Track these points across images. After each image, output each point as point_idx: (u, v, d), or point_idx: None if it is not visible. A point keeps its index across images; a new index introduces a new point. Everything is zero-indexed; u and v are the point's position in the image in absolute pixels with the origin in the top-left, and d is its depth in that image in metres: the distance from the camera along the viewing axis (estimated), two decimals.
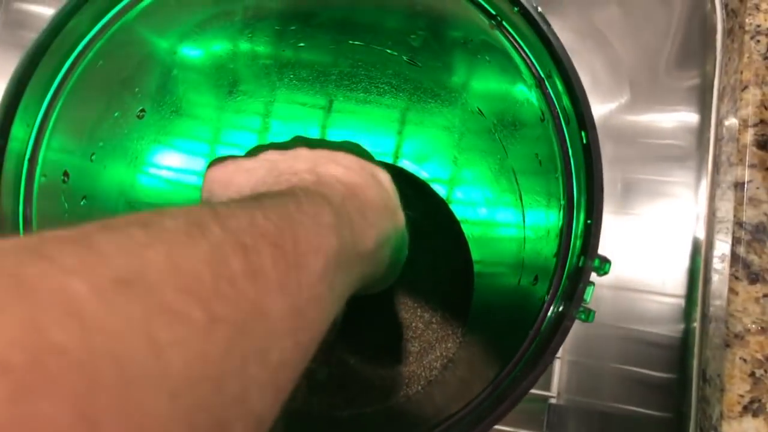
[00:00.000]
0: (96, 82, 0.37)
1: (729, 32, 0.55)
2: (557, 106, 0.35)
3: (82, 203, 0.39)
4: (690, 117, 0.56)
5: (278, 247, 0.22)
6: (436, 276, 0.55)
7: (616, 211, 0.53)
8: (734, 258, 0.49)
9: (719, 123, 0.54)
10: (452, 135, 0.51)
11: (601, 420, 0.53)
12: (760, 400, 0.46)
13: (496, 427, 0.31)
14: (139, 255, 0.18)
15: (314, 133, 0.53)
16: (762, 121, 0.50)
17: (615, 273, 0.32)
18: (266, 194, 0.28)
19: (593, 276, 0.32)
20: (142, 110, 0.42)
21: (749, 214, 0.48)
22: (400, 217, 0.38)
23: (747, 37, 0.51)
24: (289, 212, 0.25)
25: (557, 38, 0.34)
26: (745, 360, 0.47)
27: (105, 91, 0.39)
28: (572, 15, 0.57)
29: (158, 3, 0.37)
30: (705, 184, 0.54)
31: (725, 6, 0.55)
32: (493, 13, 0.36)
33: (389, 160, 0.55)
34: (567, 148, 0.35)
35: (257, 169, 0.36)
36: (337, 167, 0.35)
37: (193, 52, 0.43)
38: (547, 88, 0.35)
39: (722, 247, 0.50)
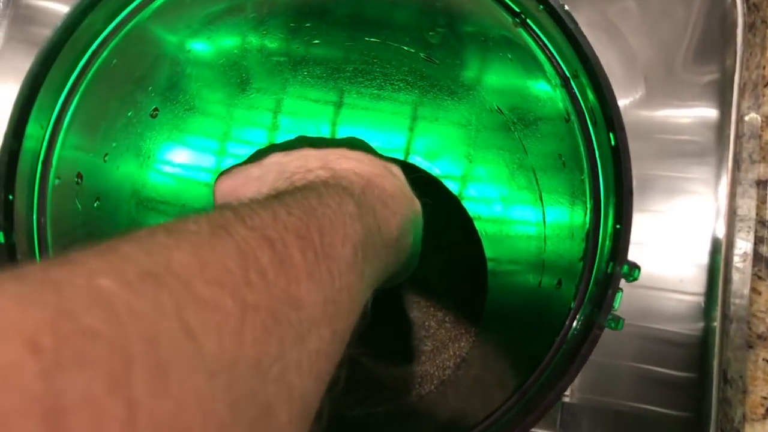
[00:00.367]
0: (110, 82, 0.37)
1: (751, 26, 0.54)
2: (584, 107, 0.34)
3: (95, 204, 0.39)
4: (708, 112, 0.55)
5: (304, 239, 0.23)
6: (449, 274, 0.55)
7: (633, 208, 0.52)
8: (757, 257, 0.48)
9: (740, 119, 0.53)
10: (468, 132, 0.50)
11: (616, 419, 0.52)
12: None
13: None
14: (164, 254, 0.18)
15: (325, 130, 0.53)
16: None
17: None
18: (285, 191, 0.28)
19: (621, 282, 0.31)
20: (156, 109, 0.41)
21: None
22: (417, 204, 0.38)
23: None
24: (312, 205, 0.25)
25: (584, 37, 0.33)
26: None
27: (119, 90, 0.38)
28: (585, 8, 0.56)
29: (172, 1, 0.36)
30: (725, 181, 0.53)
31: (747, 0, 0.54)
32: (517, 10, 0.35)
33: (401, 157, 0.54)
34: (594, 149, 0.34)
35: (267, 175, 0.35)
36: (350, 161, 0.35)
37: (207, 49, 0.42)
38: (573, 87, 0.34)
39: (743, 245, 0.49)
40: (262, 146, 0.51)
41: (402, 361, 0.54)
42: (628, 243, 0.31)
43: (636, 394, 0.52)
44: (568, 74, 0.34)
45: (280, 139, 0.51)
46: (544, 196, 0.43)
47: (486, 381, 0.50)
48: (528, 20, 0.35)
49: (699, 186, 0.54)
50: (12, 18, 0.54)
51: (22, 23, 0.54)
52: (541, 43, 0.35)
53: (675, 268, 0.53)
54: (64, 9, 0.54)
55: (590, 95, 0.33)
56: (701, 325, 0.52)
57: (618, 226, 0.31)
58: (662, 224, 0.54)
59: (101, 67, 0.35)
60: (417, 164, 0.54)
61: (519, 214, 0.49)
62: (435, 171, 0.54)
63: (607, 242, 0.32)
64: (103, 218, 0.40)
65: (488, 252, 0.53)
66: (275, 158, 0.36)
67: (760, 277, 0.47)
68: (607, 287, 0.30)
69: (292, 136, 0.51)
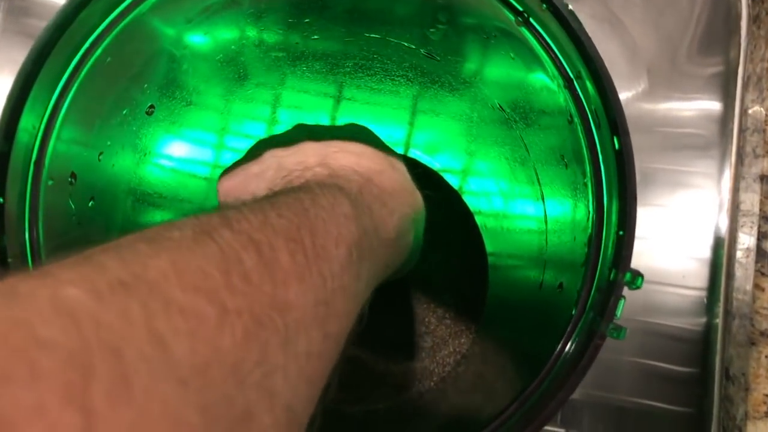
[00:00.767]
0: (104, 80, 0.36)
1: (755, 18, 0.53)
2: (587, 108, 0.33)
3: (90, 204, 0.38)
4: (712, 105, 0.54)
5: (294, 241, 0.22)
6: (450, 270, 0.54)
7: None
8: (760, 253, 0.47)
9: (743, 113, 0.53)
10: (469, 127, 0.49)
11: (618, 415, 0.52)
12: None
13: None
14: (140, 262, 0.18)
15: (325, 123, 0.52)
16: None
17: (634, 264, 0.31)
18: (280, 192, 0.28)
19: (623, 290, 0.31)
20: (152, 106, 0.41)
21: None
22: (419, 198, 0.38)
23: None
24: (304, 207, 0.25)
25: (588, 37, 0.32)
26: None
27: (114, 88, 0.37)
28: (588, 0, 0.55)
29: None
30: (728, 175, 0.53)
31: None
32: (520, 9, 0.34)
33: (401, 150, 0.53)
34: (597, 152, 0.33)
35: (265, 172, 0.35)
36: (349, 156, 0.34)
37: (205, 44, 0.42)
38: (576, 89, 0.33)
39: (746, 241, 0.49)
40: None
41: (402, 357, 0.53)
42: (632, 250, 0.30)
43: (638, 389, 0.52)
44: (571, 75, 0.34)
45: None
46: (545, 195, 0.42)
47: (486, 379, 0.50)
48: (531, 19, 0.34)
49: (702, 180, 0.53)
50: (7, 10, 0.53)
51: (17, 15, 0.53)
52: (544, 42, 0.34)
53: (677, 262, 0.53)
54: (59, 1, 0.53)
55: (594, 97, 0.32)
56: (703, 320, 0.52)
57: (621, 233, 0.31)
58: (665, 218, 0.53)
59: (95, 64, 0.34)
60: (417, 158, 0.53)
61: (520, 210, 0.48)
62: (435, 166, 0.53)
63: (610, 248, 0.32)
64: (98, 218, 0.39)
65: (489, 247, 0.53)
66: (274, 153, 0.35)
67: (763, 274, 0.47)
68: (609, 296, 0.30)
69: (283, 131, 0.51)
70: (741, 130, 0.52)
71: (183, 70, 0.41)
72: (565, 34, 0.32)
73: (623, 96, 0.54)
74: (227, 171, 0.37)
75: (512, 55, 0.38)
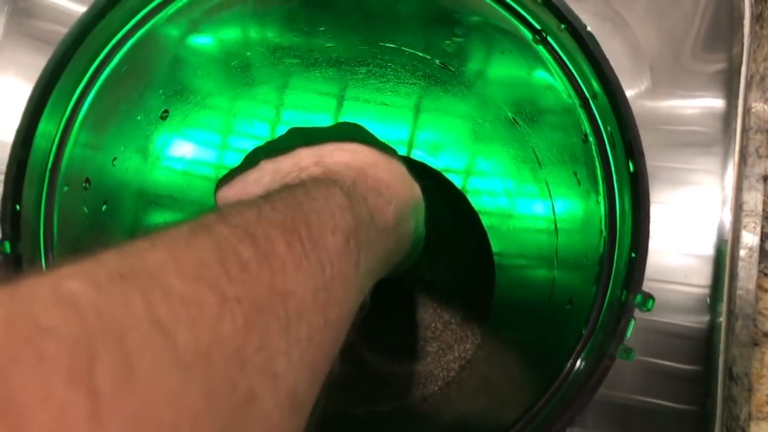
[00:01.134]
0: (120, 88, 0.36)
1: (758, 18, 0.53)
2: (602, 129, 0.33)
3: (103, 208, 0.38)
4: (715, 103, 0.54)
5: (291, 231, 0.23)
6: (456, 275, 0.54)
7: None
8: (763, 254, 0.47)
9: (746, 112, 0.53)
10: (479, 138, 0.49)
11: (622, 413, 0.52)
12: None
13: None
14: (138, 255, 0.18)
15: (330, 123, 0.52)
16: None
17: None
18: (274, 190, 0.28)
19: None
20: (166, 111, 0.41)
21: None
22: (416, 188, 0.38)
23: None
24: (298, 200, 0.26)
25: (606, 59, 0.32)
26: None
27: (128, 95, 0.38)
28: None
29: (186, 4, 0.35)
30: (731, 173, 0.53)
31: None
32: (538, 27, 0.34)
33: (404, 151, 0.53)
34: (611, 172, 0.33)
35: (262, 177, 0.35)
36: (343, 153, 0.35)
37: (219, 51, 0.42)
38: (592, 109, 0.34)
39: (750, 240, 0.49)
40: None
41: (407, 360, 0.53)
42: (644, 273, 0.30)
43: (642, 387, 0.51)
44: (587, 95, 0.34)
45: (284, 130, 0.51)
46: (557, 211, 0.42)
47: (491, 386, 0.50)
48: (548, 38, 0.34)
49: (705, 177, 0.53)
50: (11, 11, 0.53)
51: (21, 16, 0.53)
52: (561, 61, 0.34)
53: (680, 259, 0.53)
54: (62, 2, 0.53)
55: (610, 118, 0.32)
56: (707, 318, 0.52)
57: (633, 255, 0.31)
58: (668, 215, 0.53)
59: (111, 73, 0.35)
60: (425, 161, 0.53)
61: (532, 224, 0.48)
62: (450, 178, 0.53)
63: (622, 268, 0.32)
64: (110, 221, 0.39)
65: (498, 252, 0.53)
66: (269, 160, 0.36)
67: (766, 275, 0.47)
68: (620, 317, 0.30)
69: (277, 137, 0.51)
70: (744, 130, 0.52)
71: (198, 75, 0.42)
72: (582, 55, 0.32)
73: (627, 94, 0.54)
74: (224, 180, 0.38)
75: (528, 71, 0.38)
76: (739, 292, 0.49)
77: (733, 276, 0.50)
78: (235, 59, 0.42)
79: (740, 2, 0.54)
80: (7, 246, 0.31)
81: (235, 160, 0.50)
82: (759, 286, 0.47)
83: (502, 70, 0.41)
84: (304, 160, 0.35)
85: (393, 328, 0.54)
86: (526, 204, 0.47)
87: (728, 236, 0.51)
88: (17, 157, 0.31)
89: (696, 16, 0.55)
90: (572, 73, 0.34)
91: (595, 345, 0.31)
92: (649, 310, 0.30)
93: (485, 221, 0.53)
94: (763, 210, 0.48)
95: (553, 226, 0.43)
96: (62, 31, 0.32)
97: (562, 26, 0.32)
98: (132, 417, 0.15)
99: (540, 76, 0.36)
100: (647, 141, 0.53)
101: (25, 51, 0.53)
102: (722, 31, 0.54)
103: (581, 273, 0.36)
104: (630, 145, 0.31)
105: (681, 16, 0.55)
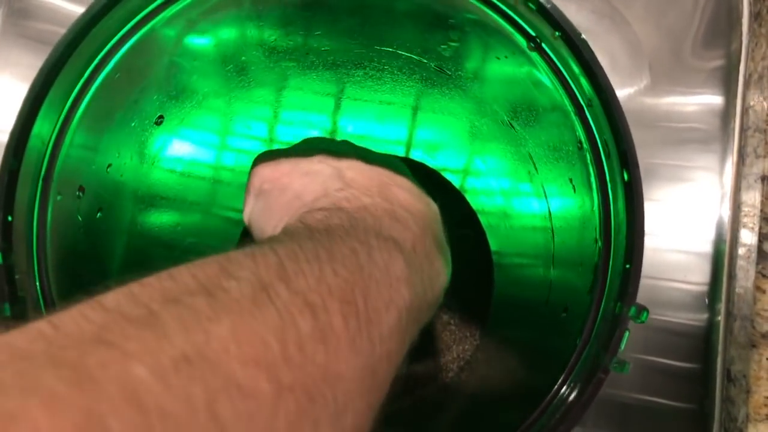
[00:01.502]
0: (114, 94, 0.36)
1: (756, 16, 0.52)
2: (597, 137, 0.33)
3: (98, 216, 0.38)
4: (714, 100, 0.54)
5: (349, 304, 0.21)
6: (455, 275, 0.54)
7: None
8: (761, 255, 0.47)
9: (744, 111, 0.52)
10: (475, 142, 0.49)
11: (621, 411, 0.51)
12: None
13: None
14: (202, 330, 0.17)
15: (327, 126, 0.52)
16: None
17: None
18: (334, 230, 0.26)
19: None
20: (161, 116, 0.41)
21: None
22: (449, 255, 0.35)
23: None
24: (360, 264, 0.24)
25: (600, 66, 0.32)
26: None
27: (123, 101, 0.37)
28: None
29: (183, 9, 0.35)
30: (729, 171, 0.52)
31: None
32: (533, 34, 0.34)
33: (402, 151, 0.53)
34: (606, 181, 0.33)
35: (317, 174, 0.33)
36: (405, 193, 0.32)
37: (214, 55, 0.41)
38: (587, 117, 0.33)
39: (748, 241, 0.49)
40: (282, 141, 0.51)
41: (403, 361, 0.53)
42: (638, 284, 0.30)
43: (641, 385, 0.51)
44: (582, 103, 0.33)
45: (284, 133, 0.51)
46: (553, 216, 0.42)
47: (488, 387, 0.50)
48: (543, 44, 0.34)
49: (703, 175, 0.53)
50: (6, 12, 0.53)
51: (17, 17, 0.53)
52: (555, 68, 0.34)
53: (679, 257, 0.52)
54: (58, 2, 0.53)
55: (605, 127, 0.32)
56: (705, 316, 0.51)
57: (628, 266, 0.30)
58: (666, 213, 0.53)
59: (105, 79, 0.34)
60: (423, 161, 0.53)
61: (529, 224, 0.48)
62: (448, 176, 0.53)
63: (617, 279, 0.32)
64: (105, 227, 0.39)
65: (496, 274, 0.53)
66: (326, 159, 0.34)
67: (764, 275, 0.47)
68: (614, 328, 0.30)
69: (298, 130, 0.50)
70: (742, 129, 0.52)
71: (193, 79, 0.41)
72: (576, 62, 0.32)
73: (625, 91, 0.54)
74: (267, 156, 0.36)
75: (523, 77, 0.38)
76: (738, 291, 0.49)
77: (732, 276, 0.50)
78: (231, 62, 0.42)
79: (739, 1, 0.53)
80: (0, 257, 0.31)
81: (234, 161, 0.50)
82: (757, 288, 0.46)
83: (497, 75, 0.41)
84: (366, 180, 0.32)
85: None
86: (524, 203, 0.47)
87: (726, 236, 0.51)
88: (9, 166, 0.30)
89: (695, 14, 0.54)
90: (566, 79, 0.34)
91: (589, 357, 0.31)
92: (643, 322, 0.30)
93: (483, 221, 0.53)
94: (762, 210, 0.47)
95: (550, 227, 0.43)
96: (58, 31, 0.32)
97: (557, 33, 0.32)
98: None
99: (534, 82, 0.36)
100: (646, 138, 0.53)
101: (21, 52, 0.53)
102: (721, 29, 0.54)
103: (577, 279, 0.36)
104: (624, 155, 0.31)
105: (680, 13, 0.54)
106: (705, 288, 0.52)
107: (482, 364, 0.52)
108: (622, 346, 0.30)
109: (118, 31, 0.34)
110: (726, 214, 0.52)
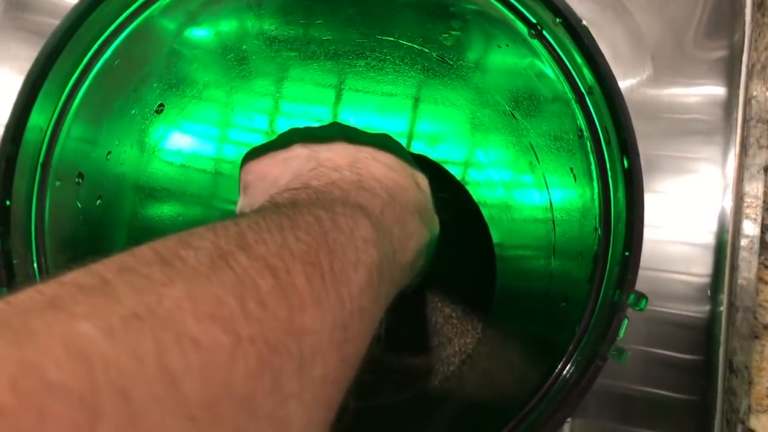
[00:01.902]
0: (113, 82, 0.36)
1: (759, 6, 0.52)
2: (598, 125, 0.33)
3: (97, 203, 0.38)
4: (717, 90, 0.54)
5: (312, 265, 0.22)
6: (457, 268, 0.54)
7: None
8: (763, 246, 0.47)
9: (747, 102, 0.52)
10: (480, 131, 0.49)
11: (624, 402, 0.51)
12: None
13: None
14: (155, 292, 0.18)
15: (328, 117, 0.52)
16: None
17: None
18: (300, 203, 0.27)
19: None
20: (161, 105, 0.41)
21: None
22: (436, 222, 0.38)
23: None
24: (324, 230, 0.25)
25: (601, 54, 0.31)
26: None
27: (122, 89, 0.37)
28: None
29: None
30: (732, 162, 0.52)
31: None
32: (534, 21, 0.34)
33: (403, 142, 0.53)
34: (606, 170, 0.33)
35: (293, 159, 0.35)
36: (379, 166, 0.34)
37: (214, 43, 0.41)
38: (587, 104, 0.33)
39: (750, 231, 0.48)
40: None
41: (406, 355, 0.53)
42: (637, 272, 0.30)
43: (643, 376, 0.51)
44: (583, 90, 0.33)
45: (285, 125, 0.51)
46: (553, 203, 0.42)
47: (489, 380, 0.50)
48: (544, 32, 0.34)
49: (706, 165, 0.53)
50: (5, 5, 0.53)
51: (15, 10, 0.53)
52: (556, 56, 0.34)
53: (682, 249, 0.52)
54: None
55: (605, 114, 0.32)
56: (708, 308, 0.51)
57: (627, 254, 0.30)
58: (668, 204, 0.53)
59: (104, 67, 0.34)
60: (425, 152, 0.53)
61: (530, 215, 0.48)
62: (450, 168, 0.53)
63: (616, 267, 0.31)
64: (104, 216, 0.39)
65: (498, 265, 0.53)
66: (305, 144, 0.36)
67: (766, 266, 0.46)
68: (612, 317, 0.30)
69: (299, 122, 0.50)
70: (745, 120, 0.52)
71: (193, 68, 0.41)
72: (577, 50, 0.32)
73: (627, 82, 0.54)
74: (253, 152, 0.37)
75: (524, 66, 0.37)
76: (740, 282, 0.49)
77: (734, 267, 0.50)
78: (232, 52, 0.42)
79: None
80: None
81: (234, 154, 0.50)
82: (759, 278, 0.46)
83: (499, 64, 0.41)
84: (340, 158, 0.34)
85: (394, 322, 0.53)
86: (525, 195, 0.47)
87: (729, 227, 0.51)
88: (6, 152, 0.30)
89: (698, 4, 0.54)
90: (567, 67, 0.33)
91: (587, 345, 0.31)
92: (642, 309, 0.30)
93: (485, 213, 0.53)
94: (764, 201, 0.47)
95: (551, 218, 0.42)
96: (57, 24, 0.32)
97: (558, 20, 0.32)
98: None
99: (536, 70, 0.36)
100: (648, 130, 0.53)
101: (20, 45, 0.53)
102: (724, 19, 0.54)
103: (577, 269, 0.36)
104: (625, 143, 0.30)
105: (683, 3, 0.54)
106: (707, 279, 0.52)
107: (483, 357, 0.52)
108: (621, 334, 0.30)
109: (116, 19, 0.34)
110: (728, 205, 0.51)
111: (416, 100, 0.50)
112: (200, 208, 0.50)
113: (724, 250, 0.51)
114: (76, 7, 0.32)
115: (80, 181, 0.36)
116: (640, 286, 0.30)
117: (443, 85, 0.45)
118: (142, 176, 0.42)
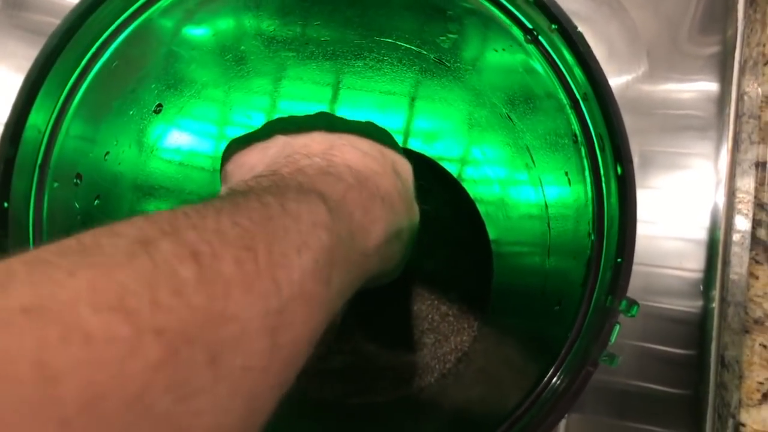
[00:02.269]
0: (111, 83, 0.36)
1: (752, 1, 0.52)
2: (592, 131, 0.33)
3: (95, 203, 0.38)
4: (710, 86, 0.54)
5: (247, 249, 0.22)
6: (454, 265, 0.54)
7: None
8: (755, 241, 0.47)
9: (740, 97, 0.52)
10: (476, 131, 0.49)
11: (620, 397, 0.52)
12: None
13: None
14: (52, 283, 0.17)
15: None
16: None
17: None
18: (254, 190, 0.27)
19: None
20: (159, 105, 0.41)
21: None
22: (415, 210, 0.37)
23: None
24: (270, 215, 0.24)
25: (596, 60, 0.32)
26: (765, 346, 0.45)
27: (120, 90, 0.37)
28: None
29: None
30: (725, 158, 0.52)
31: None
32: (530, 26, 0.34)
33: (399, 139, 0.53)
34: (600, 175, 0.33)
35: (271, 147, 0.35)
36: (354, 151, 0.34)
37: (212, 43, 0.41)
38: (582, 110, 0.33)
39: (742, 227, 0.49)
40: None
41: (404, 352, 0.54)
42: (629, 278, 0.30)
43: (638, 372, 0.52)
44: (578, 96, 0.33)
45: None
46: (549, 207, 0.42)
47: (485, 378, 0.50)
48: (540, 37, 0.34)
49: (699, 161, 0.53)
50: (2, 4, 0.53)
51: (13, 8, 0.53)
52: (552, 61, 0.34)
53: (675, 244, 0.53)
54: None
55: (599, 120, 0.32)
56: (701, 303, 0.52)
57: (619, 260, 0.31)
58: (662, 200, 0.53)
59: (102, 68, 0.35)
60: (421, 150, 0.53)
61: (525, 212, 0.48)
62: (445, 165, 0.53)
63: (608, 272, 0.32)
64: (102, 216, 0.39)
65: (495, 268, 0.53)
66: (284, 133, 0.35)
67: (757, 262, 0.47)
68: (604, 323, 0.30)
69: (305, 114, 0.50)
70: (738, 115, 0.52)
71: (191, 69, 0.41)
72: (572, 55, 0.32)
73: (623, 78, 0.54)
74: (235, 142, 0.37)
75: (520, 70, 0.38)
76: (732, 277, 0.49)
77: (726, 263, 0.50)
78: (230, 52, 0.42)
79: None
80: None
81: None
82: (750, 273, 0.47)
83: (495, 67, 0.41)
84: (315, 146, 0.34)
85: (390, 319, 0.54)
86: (521, 192, 0.47)
87: (721, 223, 0.51)
88: (5, 154, 0.31)
89: (691, 0, 0.54)
90: (562, 72, 0.34)
91: (579, 349, 0.32)
92: (633, 316, 0.30)
93: (481, 209, 0.53)
94: (755, 197, 0.48)
95: (546, 216, 0.43)
96: (55, 22, 0.32)
97: (553, 26, 0.32)
98: None
99: (531, 75, 0.36)
100: (643, 125, 0.53)
101: (17, 43, 0.53)
102: (717, 15, 0.54)
103: (571, 272, 0.36)
104: (618, 150, 0.31)
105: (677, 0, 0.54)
106: (700, 275, 0.52)
107: (480, 354, 0.53)
108: (612, 340, 0.30)
109: (115, 20, 0.34)
110: (721, 200, 0.52)
111: (413, 100, 0.50)
112: None
113: (716, 245, 0.51)
114: (76, 8, 0.32)
115: (78, 181, 0.36)
116: (633, 281, 0.31)
117: (440, 86, 0.45)
118: (140, 175, 0.43)
